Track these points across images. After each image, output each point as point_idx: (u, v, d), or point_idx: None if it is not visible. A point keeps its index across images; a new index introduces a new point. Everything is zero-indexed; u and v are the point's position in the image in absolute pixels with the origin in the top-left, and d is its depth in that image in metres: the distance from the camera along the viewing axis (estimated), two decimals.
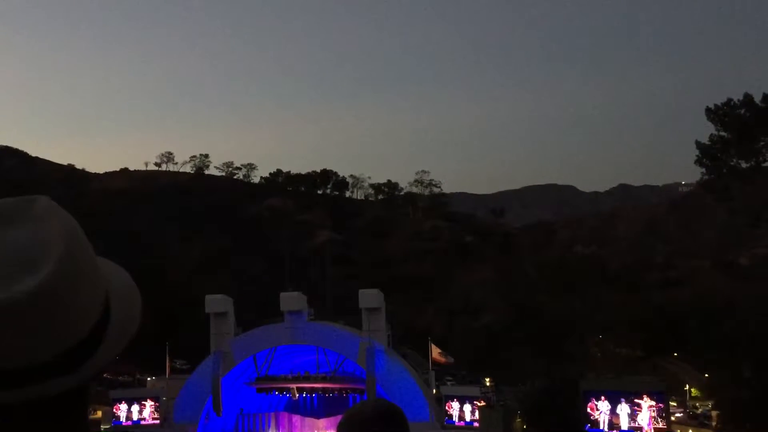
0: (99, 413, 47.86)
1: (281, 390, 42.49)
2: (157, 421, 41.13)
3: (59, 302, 1.12)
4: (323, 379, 41.30)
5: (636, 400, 29.27)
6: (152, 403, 41.76)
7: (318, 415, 45.06)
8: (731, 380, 57.65)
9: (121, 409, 41.18)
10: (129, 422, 41.05)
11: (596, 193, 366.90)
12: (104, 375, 75.45)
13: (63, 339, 1.14)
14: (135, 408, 41.35)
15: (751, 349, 58.88)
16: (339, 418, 2.51)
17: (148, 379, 67.72)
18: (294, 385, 41.96)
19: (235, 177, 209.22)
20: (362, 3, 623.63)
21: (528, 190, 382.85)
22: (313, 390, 42.58)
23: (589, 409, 29.65)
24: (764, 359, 55.78)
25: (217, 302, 42.72)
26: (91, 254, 1.21)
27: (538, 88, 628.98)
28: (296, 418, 46.16)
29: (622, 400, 29.57)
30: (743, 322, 65.64)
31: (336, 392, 41.75)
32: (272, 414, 46.31)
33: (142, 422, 41.10)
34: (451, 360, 46.56)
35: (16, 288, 1.09)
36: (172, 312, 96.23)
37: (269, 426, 46.16)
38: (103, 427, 46.01)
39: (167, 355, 49.03)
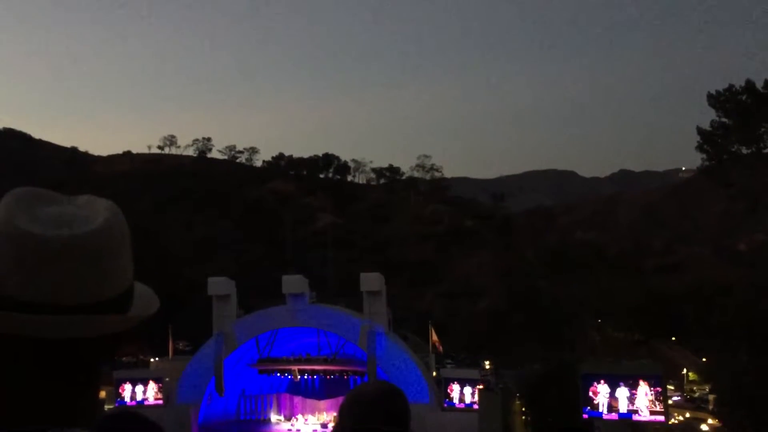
0: (103, 393, 48.44)
1: (283, 372, 42.81)
2: (161, 402, 41.43)
3: (113, 248, 1.28)
4: (324, 362, 41.60)
5: (634, 384, 29.48)
6: (155, 383, 42.12)
7: (319, 397, 45.52)
8: (728, 364, 58.07)
9: (126, 390, 41.59)
10: (133, 402, 41.42)
11: (597, 178, 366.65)
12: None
13: (118, 283, 1.29)
14: (139, 388, 41.72)
15: (749, 334, 59.29)
16: (340, 399, 2.59)
17: (151, 360, 68.10)
18: (295, 367, 42.28)
19: (237, 161, 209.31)
20: None
21: (529, 175, 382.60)
22: (314, 372, 42.93)
23: (591, 393, 29.80)
24: (761, 344, 56.20)
25: (219, 285, 42.78)
26: (128, 234, 1.38)
27: (540, 73, 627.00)
28: (297, 400, 46.63)
29: (621, 383, 29.61)
30: (741, 306, 66.01)
31: (337, 374, 42.09)
32: (274, 395, 46.77)
33: (146, 402, 41.51)
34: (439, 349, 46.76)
35: (78, 229, 1.24)
36: (175, 294, 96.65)
37: (271, 407, 46.64)
38: (107, 407, 46.52)
39: (170, 337, 49.32)
